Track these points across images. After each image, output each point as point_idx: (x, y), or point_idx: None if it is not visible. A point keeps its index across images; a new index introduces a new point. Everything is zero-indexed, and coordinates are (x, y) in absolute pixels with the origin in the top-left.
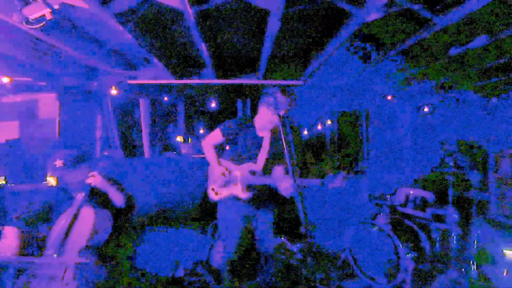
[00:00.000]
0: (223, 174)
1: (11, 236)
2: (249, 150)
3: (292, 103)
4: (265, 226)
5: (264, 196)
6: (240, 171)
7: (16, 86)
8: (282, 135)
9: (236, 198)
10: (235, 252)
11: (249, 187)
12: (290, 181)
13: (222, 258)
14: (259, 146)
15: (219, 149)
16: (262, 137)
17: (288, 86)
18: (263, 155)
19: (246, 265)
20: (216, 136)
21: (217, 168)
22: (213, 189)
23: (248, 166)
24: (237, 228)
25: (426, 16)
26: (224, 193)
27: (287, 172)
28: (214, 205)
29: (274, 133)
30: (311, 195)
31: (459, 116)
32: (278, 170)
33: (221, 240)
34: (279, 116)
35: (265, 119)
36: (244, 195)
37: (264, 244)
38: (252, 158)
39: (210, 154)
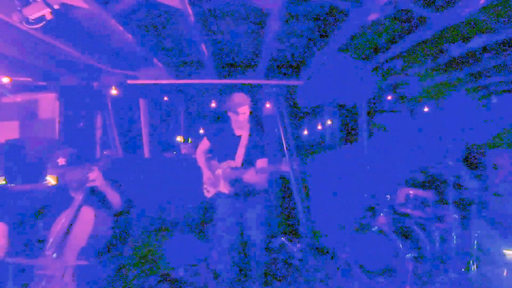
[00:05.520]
0: (208, 178)
1: None
2: (229, 149)
3: (249, 103)
4: (253, 224)
5: (251, 191)
6: (221, 169)
7: (16, 86)
8: (280, 128)
9: (224, 194)
10: (226, 251)
11: (232, 182)
12: (251, 170)
13: (218, 256)
14: (237, 144)
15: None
16: (240, 136)
17: (288, 86)
18: (241, 152)
19: (241, 265)
20: (204, 143)
21: (204, 173)
22: (205, 188)
23: (228, 163)
24: (226, 224)
25: (426, 16)
26: (212, 191)
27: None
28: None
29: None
30: (311, 195)
31: (459, 115)
32: (260, 162)
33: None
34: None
35: (234, 121)
36: (227, 190)
37: (252, 242)
38: (232, 156)
39: (200, 160)
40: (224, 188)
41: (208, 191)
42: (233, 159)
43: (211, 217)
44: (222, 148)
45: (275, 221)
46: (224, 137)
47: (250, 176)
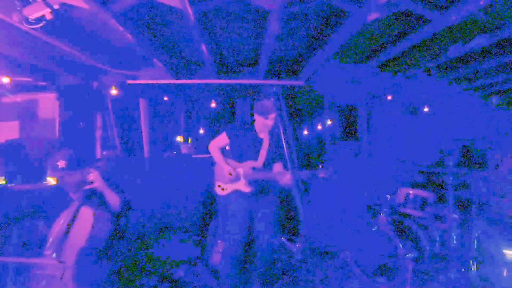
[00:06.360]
0: (230, 173)
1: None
2: (251, 150)
3: (274, 107)
4: (264, 224)
5: (264, 191)
6: (242, 168)
7: (16, 86)
8: (281, 134)
9: (239, 193)
10: (235, 248)
11: (251, 182)
12: (288, 174)
13: (222, 255)
14: (259, 146)
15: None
16: (262, 138)
17: (289, 86)
18: (263, 154)
19: (245, 263)
20: (223, 139)
21: (225, 167)
22: (219, 186)
23: (250, 163)
24: (239, 221)
25: (426, 16)
26: (230, 188)
27: (285, 167)
28: (213, 205)
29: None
30: (311, 195)
31: (458, 116)
32: (277, 166)
33: (221, 237)
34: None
35: (260, 123)
36: (247, 189)
37: (261, 241)
38: (253, 156)
39: (217, 155)
40: (245, 187)
41: (223, 189)
42: (250, 159)
43: (212, 217)
44: (241, 148)
45: (279, 221)
46: (242, 138)
47: (286, 180)
